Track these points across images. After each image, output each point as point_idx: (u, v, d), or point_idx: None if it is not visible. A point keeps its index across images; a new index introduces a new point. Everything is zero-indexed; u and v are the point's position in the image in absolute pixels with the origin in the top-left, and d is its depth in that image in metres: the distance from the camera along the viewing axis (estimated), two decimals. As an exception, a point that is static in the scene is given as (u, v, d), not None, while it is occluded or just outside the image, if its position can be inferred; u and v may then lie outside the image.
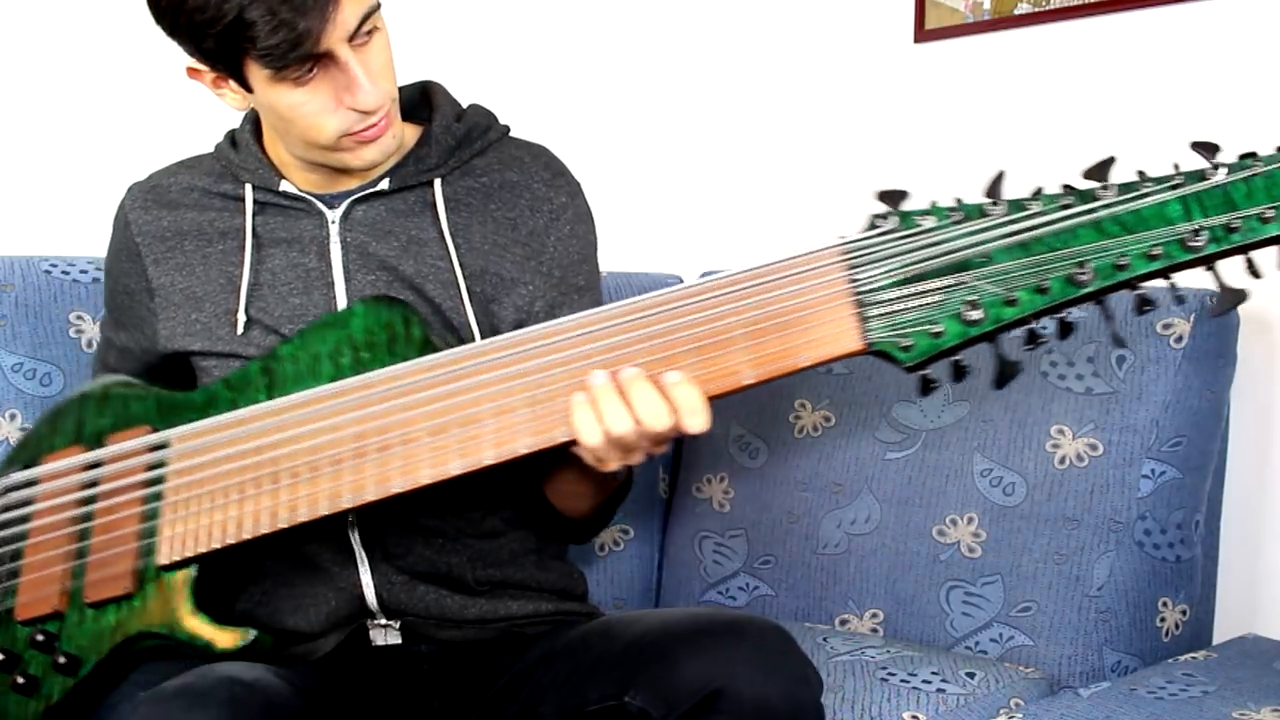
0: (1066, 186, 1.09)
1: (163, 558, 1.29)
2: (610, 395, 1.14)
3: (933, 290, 1.09)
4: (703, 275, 1.24)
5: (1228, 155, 1.08)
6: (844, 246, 1.12)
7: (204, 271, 1.42)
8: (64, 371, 1.65)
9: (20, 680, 1.31)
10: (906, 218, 1.11)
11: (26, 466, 1.39)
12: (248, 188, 1.42)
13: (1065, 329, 1.09)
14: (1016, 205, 1.09)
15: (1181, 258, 1.06)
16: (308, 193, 1.41)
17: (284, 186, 1.41)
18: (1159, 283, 1.09)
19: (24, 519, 1.36)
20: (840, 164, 2.17)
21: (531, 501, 1.43)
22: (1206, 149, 1.08)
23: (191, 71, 1.33)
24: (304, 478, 1.24)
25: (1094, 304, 1.08)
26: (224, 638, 1.28)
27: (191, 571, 1.29)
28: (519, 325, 1.36)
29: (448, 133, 1.42)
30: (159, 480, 1.31)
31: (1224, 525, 1.73)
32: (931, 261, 1.09)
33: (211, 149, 1.49)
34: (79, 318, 1.69)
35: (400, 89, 1.41)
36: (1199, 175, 1.07)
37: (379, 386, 1.23)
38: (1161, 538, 1.60)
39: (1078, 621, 1.60)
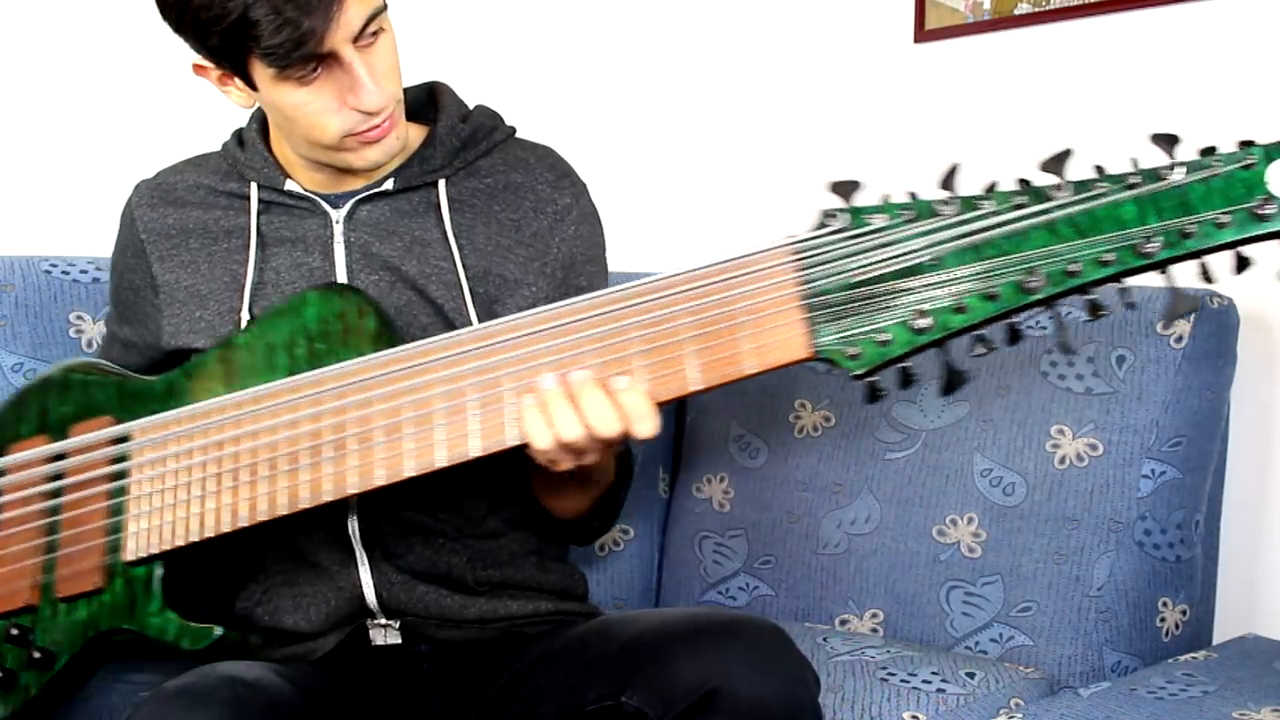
0: (1022, 181, 1.06)
1: (129, 554, 1.30)
2: (560, 401, 1.14)
3: (882, 295, 1.07)
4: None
5: (1189, 150, 1.05)
6: (794, 246, 1.10)
7: (209, 269, 1.42)
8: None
9: None
10: (858, 216, 1.08)
11: None
12: (253, 186, 1.42)
13: (1014, 336, 1.07)
14: (969, 204, 1.06)
15: (1134, 263, 1.04)
16: (312, 192, 1.41)
17: (289, 186, 1.41)
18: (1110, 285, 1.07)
19: None
20: (841, 164, 2.17)
21: (531, 502, 1.43)
22: (1167, 141, 1.05)
23: (197, 68, 1.33)
24: (263, 475, 1.24)
25: (1045, 309, 1.06)
26: (191, 635, 1.29)
27: (158, 568, 1.30)
28: None
29: (453, 133, 1.42)
30: (123, 474, 1.31)
31: (1224, 525, 1.73)
32: (881, 265, 1.07)
33: (217, 148, 1.49)
34: (79, 318, 1.69)
35: (406, 89, 1.41)
36: (1155, 175, 1.04)
37: (334, 383, 1.23)
38: (1161, 538, 1.60)
39: (1078, 621, 1.60)
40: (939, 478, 1.71)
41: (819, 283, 1.08)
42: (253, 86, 1.30)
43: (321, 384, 1.23)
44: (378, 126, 1.31)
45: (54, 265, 1.70)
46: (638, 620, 1.28)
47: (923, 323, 1.05)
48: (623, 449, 1.40)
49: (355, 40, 1.26)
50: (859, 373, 1.08)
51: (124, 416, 1.33)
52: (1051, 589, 1.61)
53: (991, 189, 1.07)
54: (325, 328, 1.28)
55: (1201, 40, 1.78)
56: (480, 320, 1.36)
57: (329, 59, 1.26)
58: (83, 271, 1.71)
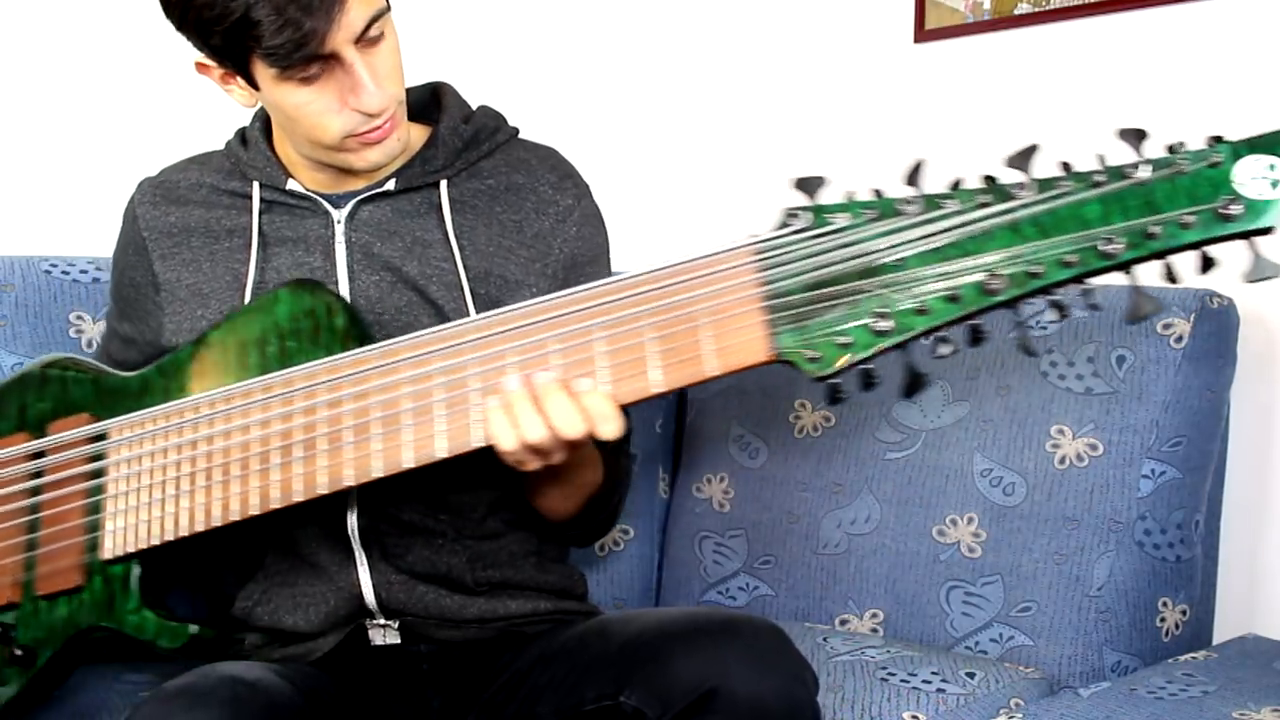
0: (988, 179, 1.05)
1: (106, 553, 1.31)
2: (525, 403, 1.14)
3: (843, 296, 1.05)
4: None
5: (1157, 146, 1.03)
6: (756, 246, 1.09)
7: (210, 268, 1.42)
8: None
9: None
10: (820, 215, 1.07)
11: None
12: (255, 186, 1.42)
13: (976, 337, 1.05)
14: (932, 203, 1.05)
15: (1097, 264, 1.01)
16: (314, 192, 1.41)
17: (291, 185, 1.41)
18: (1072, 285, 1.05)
19: None
20: (841, 164, 2.17)
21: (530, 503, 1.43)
22: (1134, 137, 1.03)
23: (200, 67, 1.33)
24: (235, 475, 1.25)
25: (1009, 310, 1.04)
26: (168, 633, 1.30)
27: (135, 566, 1.31)
28: None
29: (455, 134, 1.42)
30: (100, 473, 1.32)
31: (1224, 525, 1.73)
32: (843, 265, 1.05)
33: (220, 146, 1.49)
34: (79, 318, 1.69)
35: (410, 89, 1.41)
36: (1120, 173, 1.02)
37: (304, 383, 1.23)
38: (1161, 538, 1.60)
39: (1078, 621, 1.60)
40: (939, 478, 1.71)
41: (780, 283, 1.07)
42: (255, 86, 1.30)
43: (292, 383, 1.24)
44: (379, 128, 1.31)
45: (54, 265, 1.70)
46: (636, 619, 1.28)
47: (884, 325, 1.04)
48: (613, 451, 1.41)
49: (357, 41, 1.26)
50: (819, 375, 1.07)
51: (101, 414, 1.34)
52: (1051, 589, 1.61)
53: (956, 187, 1.06)
54: (296, 325, 1.29)
55: (1201, 40, 1.78)
56: None
57: (331, 60, 1.26)
58: (83, 271, 1.71)
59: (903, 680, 1.51)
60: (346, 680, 1.37)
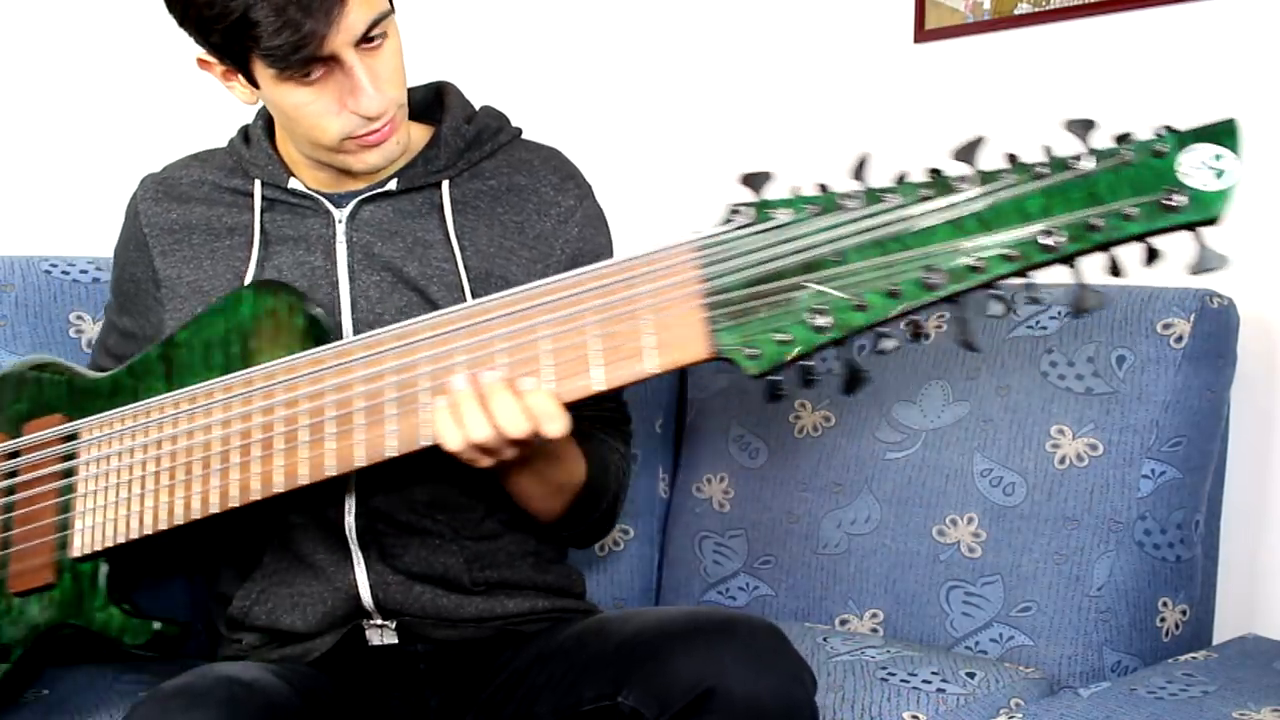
0: (933, 172, 1.03)
1: (75, 551, 1.32)
2: (471, 403, 1.15)
3: (782, 292, 1.04)
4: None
5: (1105, 137, 1.01)
6: (699, 242, 1.08)
7: (211, 266, 1.42)
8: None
9: None
10: (762, 210, 1.06)
11: None
12: (257, 184, 1.42)
13: (917, 333, 1.04)
14: (873, 196, 1.03)
15: (1039, 258, 0.99)
16: (316, 191, 1.41)
17: (292, 184, 1.41)
18: (1016, 281, 1.03)
19: None
20: (841, 164, 2.16)
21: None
22: (1082, 128, 1.00)
23: (202, 63, 1.33)
24: (197, 474, 1.27)
25: (949, 303, 1.02)
26: (131, 630, 1.32)
27: (103, 564, 1.33)
28: None
29: (457, 134, 1.42)
30: (71, 472, 1.34)
31: (1224, 525, 1.73)
32: (783, 261, 1.04)
33: (222, 144, 1.49)
34: (79, 318, 1.69)
35: (413, 89, 1.41)
36: (1063, 164, 1.00)
37: (263, 383, 1.25)
38: (1161, 538, 1.60)
39: (1078, 621, 1.60)
40: (939, 478, 1.71)
41: (721, 280, 1.06)
42: (255, 84, 1.30)
43: (251, 383, 1.26)
44: (377, 131, 1.31)
45: (54, 265, 1.70)
46: (634, 619, 1.28)
47: (822, 321, 1.03)
48: (599, 448, 1.40)
49: (358, 44, 1.26)
50: (757, 373, 1.06)
51: (74, 414, 1.36)
52: (1051, 589, 1.61)
53: (901, 180, 1.04)
54: (258, 325, 1.30)
55: (1201, 40, 1.78)
56: None
57: (331, 61, 1.26)
58: (83, 271, 1.71)
59: (903, 680, 1.51)
60: (344, 680, 1.37)
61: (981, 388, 1.71)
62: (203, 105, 1.70)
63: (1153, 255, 1.00)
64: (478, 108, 1.48)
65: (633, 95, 2.31)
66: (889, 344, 1.04)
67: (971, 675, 1.53)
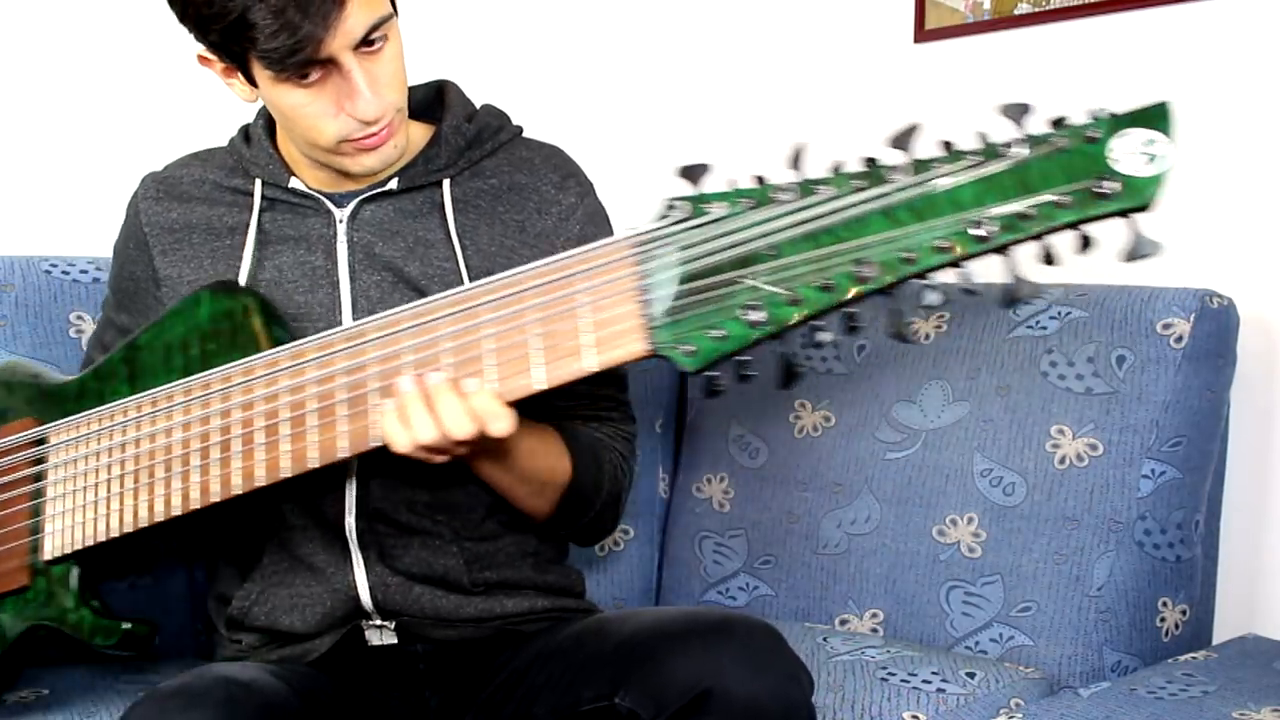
0: (868, 161, 1.02)
1: (46, 553, 1.34)
2: (417, 404, 1.15)
3: (717, 287, 1.02)
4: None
5: (1040, 122, 0.99)
6: (636, 238, 1.07)
7: (211, 266, 1.42)
8: (64, 371, 1.65)
9: None
10: (698, 205, 1.05)
11: None
12: (257, 183, 1.42)
13: (852, 326, 1.02)
14: (807, 189, 1.02)
15: (972, 249, 0.97)
16: (317, 191, 1.41)
17: (293, 183, 1.41)
18: (950, 276, 1.01)
19: None
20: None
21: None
22: (1017, 113, 0.99)
23: (202, 59, 1.33)
24: (160, 477, 1.28)
25: (883, 295, 1.01)
26: (102, 630, 1.34)
27: (74, 566, 1.34)
28: None
29: (458, 133, 1.42)
30: (41, 476, 1.36)
31: (1224, 525, 1.73)
32: (718, 255, 1.03)
33: (222, 143, 1.49)
34: (79, 318, 1.69)
35: (414, 88, 1.41)
36: (995, 152, 0.98)
37: (220, 385, 1.26)
38: (1161, 538, 1.60)
39: (1078, 621, 1.60)
40: (939, 478, 1.71)
41: (656, 276, 1.06)
42: (254, 83, 1.30)
43: (210, 387, 1.27)
44: (374, 135, 1.31)
45: (54, 265, 1.70)
46: (632, 619, 1.28)
47: (756, 316, 1.01)
48: (588, 444, 1.40)
49: (357, 47, 1.25)
50: (693, 369, 1.05)
51: (44, 418, 1.38)
52: (1051, 589, 1.61)
53: (836, 171, 1.03)
54: (216, 327, 1.31)
55: (1201, 40, 1.78)
56: None
57: (328, 64, 1.25)
58: (83, 271, 1.71)
59: (903, 680, 1.51)
60: (343, 680, 1.37)
61: (981, 388, 1.71)
62: (203, 104, 1.69)
63: (1086, 243, 0.98)
64: (478, 106, 1.47)
65: (633, 93, 2.31)
66: (825, 336, 1.03)
67: (971, 675, 1.53)
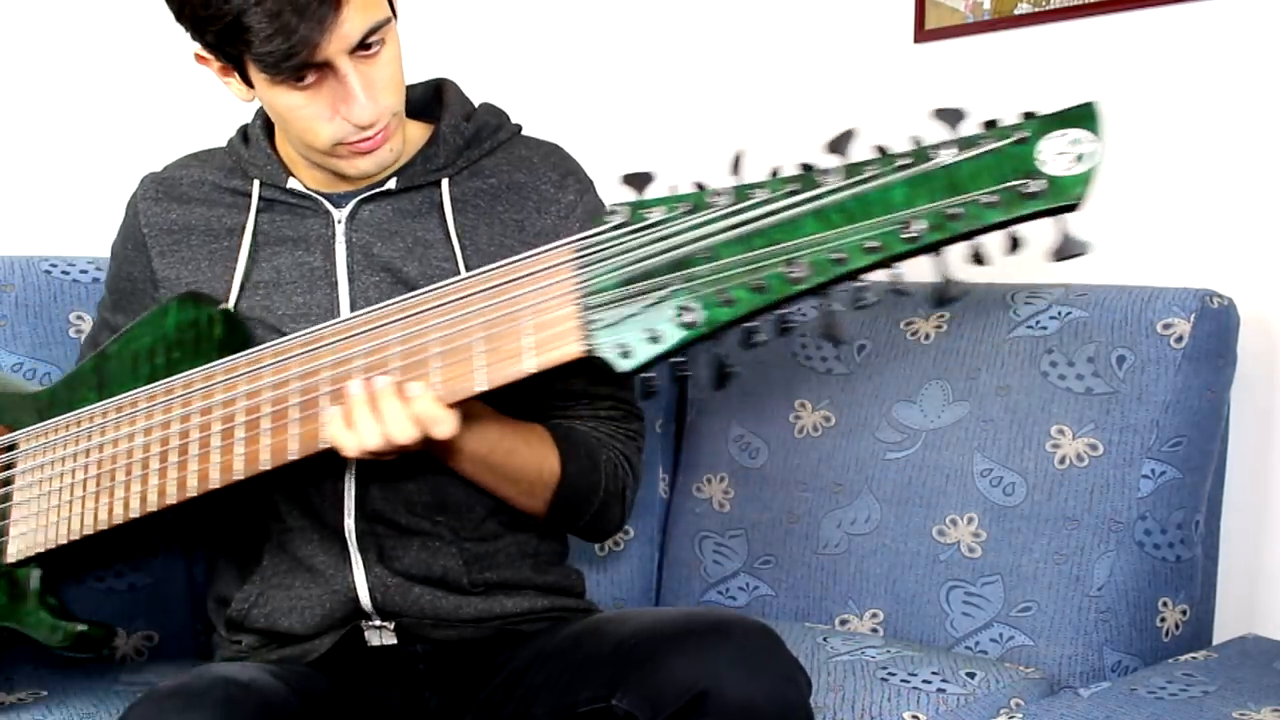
0: (805, 166, 1.03)
1: (10, 557, 1.38)
2: (363, 409, 1.17)
3: (653, 290, 1.05)
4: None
5: (969, 126, 1.00)
6: (576, 244, 1.10)
7: (209, 267, 1.42)
8: (64, 371, 1.65)
9: None
10: (636, 211, 1.07)
11: None
12: (255, 184, 1.42)
13: (784, 327, 1.04)
14: (742, 193, 1.04)
15: (900, 249, 0.98)
16: (315, 191, 1.41)
17: (291, 184, 1.41)
18: (879, 274, 1.02)
19: None
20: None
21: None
22: (950, 118, 1.00)
23: (199, 58, 1.33)
24: (120, 480, 1.31)
25: (816, 296, 1.02)
26: (61, 632, 1.37)
27: (35, 569, 1.38)
28: None
29: (456, 132, 1.42)
30: (9, 481, 1.39)
31: (1224, 525, 1.73)
32: (655, 259, 1.05)
33: (221, 144, 1.49)
34: (79, 318, 1.69)
35: (412, 86, 1.40)
36: (925, 154, 1.00)
37: (182, 390, 1.29)
38: (1161, 538, 1.60)
39: (1078, 621, 1.60)
40: (939, 478, 1.71)
41: (596, 280, 1.08)
42: (250, 84, 1.30)
43: (172, 391, 1.30)
44: (369, 139, 1.30)
45: (54, 265, 1.70)
46: (630, 620, 1.28)
47: (690, 317, 1.03)
48: (582, 443, 1.40)
49: (354, 51, 1.25)
50: (629, 370, 1.06)
51: (14, 425, 1.41)
52: (1051, 589, 1.61)
53: (773, 174, 1.05)
54: (181, 336, 1.33)
55: (1201, 40, 1.78)
56: None
57: (324, 67, 1.25)
58: (83, 271, 1.71)
59: (903, 680, 1.51)
60: (343, 680, 1.36)
61: (981, 388, 1.71)
62: (203, 104, 1.69)
63: (1015, 244, 0.99)
64: (477, 105, 1.47)
65: (633, 92, 2.31)
66: (760, 338, 1.05)
67: (971, 675, 1.53)
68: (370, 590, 1.36)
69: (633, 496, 1.47)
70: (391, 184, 1.40)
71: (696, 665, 1.17)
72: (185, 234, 1.44)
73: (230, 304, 1.38)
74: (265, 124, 1.45)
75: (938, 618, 1.68)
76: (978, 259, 0.99)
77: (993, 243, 0.99)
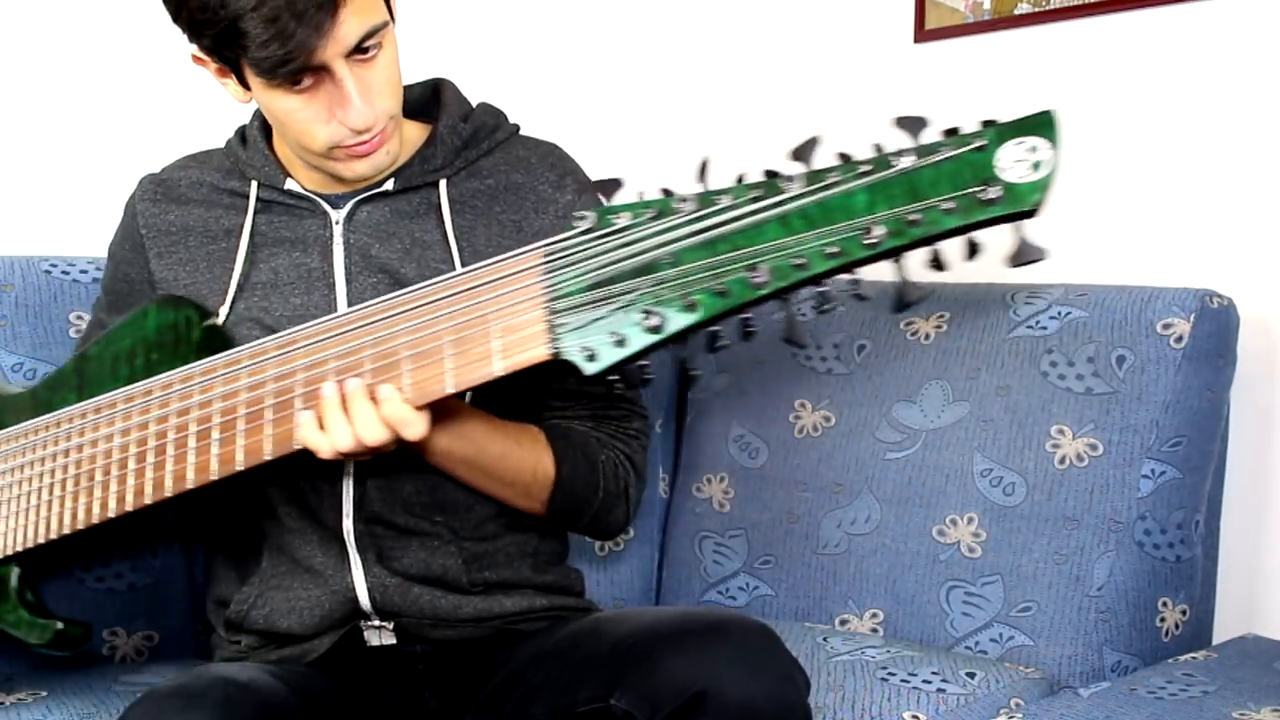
0: (769, 173, 1.05)
1: None
2: (335, 411, 1.18)
3: (618, 295, 1.06)
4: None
5: (931, 134, 1.02)
6: (546, 249, 1.11)
7: (207, 269, 1.42)
8: (64, 372, 1.65)
9: None
10: (604, 216, 1.09)
11: None
12: (253, 185, 1.42)
13: (746, 331, 1.06)
14: (706, 199, 1.05)
15: (860, 254, 1.00)
16: (313, 192, 1.40)
17: (289, 185, 1.41)
18: (843, 279, 1.04)
19: None
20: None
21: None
22: (912, 125, 1.02)
23: (196, 59, 1.33)
24: (98, 481, 1.32)
25: (778, 300, 1.04)
26: (37, 630, 1.38)
27: (14, 568, 1.39)
28: None
29: (454, 133, 1.42)
30: None
31: (1224, 525, 1.73)
32: (620, 264, 1.07)
33: (219, 145, 1.49)
34: (79, 318, 1.69)
35: (410, 86, 1.40)
36: (886, 161, 1.02)
37: (160, 392, 1.30)
38: (1161, 538, 1.60)
39: (1078, 621, 1.60)
40: (939, 478, 1.71)
41: (563, 284, 1.09)
42: (247, 86, 1.30)
43: (150, 393, 1.31)
44: (366, 142, 1.30)
45: (54, 265, 1.70)
46: (629, 619, 1.28)
47: (655, 321, 1.05)
48: (578, 442, 1.40)
49: (350, 55, 1.25)
50: (594, 373, 1.08)
51: None
52: (1051, 589, 1.61)
53: (740, 180, 1.06)
54: (160, 338, 1.34)
55: (1201, 40, 1.78)
56: None
57: (321, 71, 1.25)
58: (83, 271, 1.71)
59: (903, 680, 1.51)
60: (342, 680, 1.37)
61: (981, 388, 1.71)
62: (202, 105, 1.69)
63: (974, 249, 1.01)
64: (475, 104, 1.47)
65: (632, 92, 2.31)
66: (724, 342, 1.06)
67: (971, 675, 1.53)
68: (369, 590, 1.36)
69: (637, 495, 1.48)
70: (389, 185, 1.40)
71: (695, 665, 1.17)
72: (183, 235, 1.44)
73: (227, 305, 1.38)
74: (263, 125, 1.44)
75: (938, 618, 1.68)
76: (937, 264, 1.02)
77: (952, 248, 1.01)
